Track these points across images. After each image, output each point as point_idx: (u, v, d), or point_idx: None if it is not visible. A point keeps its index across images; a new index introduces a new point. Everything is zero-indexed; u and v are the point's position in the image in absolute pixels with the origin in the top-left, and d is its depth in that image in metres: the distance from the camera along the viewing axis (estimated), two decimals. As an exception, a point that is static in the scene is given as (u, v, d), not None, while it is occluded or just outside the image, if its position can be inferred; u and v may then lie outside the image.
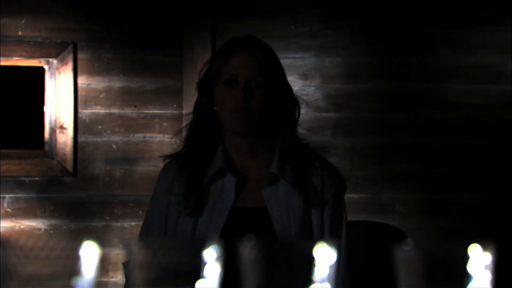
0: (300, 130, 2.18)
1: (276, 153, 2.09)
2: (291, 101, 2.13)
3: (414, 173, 3.68)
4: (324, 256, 0.80)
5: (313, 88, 3.67)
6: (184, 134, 2.17)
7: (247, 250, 0.80)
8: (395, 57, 3.71)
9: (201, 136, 2.11)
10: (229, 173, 2.07)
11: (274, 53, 2.11)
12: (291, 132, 2.11)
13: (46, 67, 3.56)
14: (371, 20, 3.70)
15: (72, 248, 0.78)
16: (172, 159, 2.14)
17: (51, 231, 3.49)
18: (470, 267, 0.76)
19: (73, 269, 0.77)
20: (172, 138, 2.30)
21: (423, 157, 3.69)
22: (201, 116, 2.12)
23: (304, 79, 3.67)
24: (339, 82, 3.69)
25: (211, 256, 0.80)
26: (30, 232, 3.47)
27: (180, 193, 2.06)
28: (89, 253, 0.78)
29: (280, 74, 2.11)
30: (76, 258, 0.77)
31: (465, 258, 0.76)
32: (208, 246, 0.79)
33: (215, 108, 2.10)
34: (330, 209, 2.07)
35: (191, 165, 2.09)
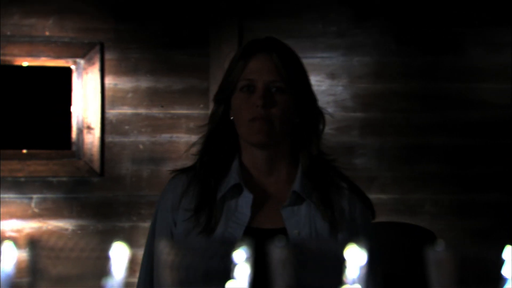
0: (322, 144, 1.97)
1: (299, 169, 1.91)
2: (316, 110, 1.95)
3: (444, 173, 3.66)
4: (355, 257, 0.80)
5: (340, 87, 3.66)
6: (197, 147, 1.99)
7: (278, 251, 0.80)
8: (424, 56, 3.69)
9: (216, 149, 1.93)
10: (245, 189, 1.88)
11: (297, 56, 1.95)
12: (316, 146, 1.92)
13: (73, 67, 3.58)
14: (400, 19, 3.68)
15: (102, 249, 0.79)
16: (179, 172, 1.98)
17: (78, 232, 3.51)
18: (505, 270, 0.75)
19: (103, 269, 0.77)
20: (185, 152, 2.02)
21: (453, 157, 3.66)
22: (217, 127, 1.94)
23: (332, 79, 3.66)
24: (367, 82, 3.67)
25: (241, 256, 0.80)
26: (58, 233, 3.49)
27: (189, 209, 1.88)
28: (119, 254, 0.79)
29: (303, 79, 1.93)
30: (106, 258, 0.78)
31: (499, 260, 0.75)
32: (238, 247, 0.79)
33: (231, 118, 1.93)
34: (358, 237, 1.83)
35: (203, 179, 1.91)
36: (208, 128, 1.96)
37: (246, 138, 1.90)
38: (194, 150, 1.96)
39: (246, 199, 1.87)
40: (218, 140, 1.94)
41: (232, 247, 0.79)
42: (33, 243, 0.79)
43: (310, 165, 1.90)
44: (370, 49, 3.67)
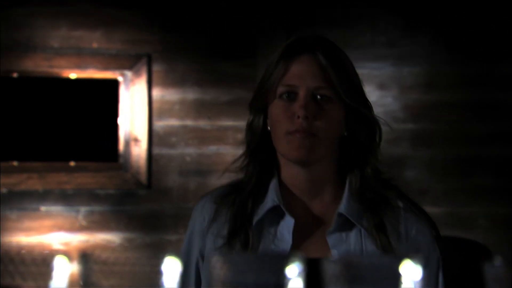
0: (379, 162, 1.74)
1: (346, 189, 1.68)
2: (370, 122, 1.69)
3: (497, 185, 3.61)
4: (410, 273, 0.79)
5: (390, 98, 3.64)
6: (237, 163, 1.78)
7: (331, 266, 0.80)
8: (476, 65, 3.65)
9: (253, 166, 1.72)
10: (286, 213, 1.66)
11: (348, 58, 1.70)
12: (371, 164, 1.69)
13: (120, 79, 3.61)
14: (451, 27, 3.65)
15: (152, 263, 0.79)
16: (210, 193, 1.78)
17: (126, 244, 3.53)
18: None
19: (155, 283, 0.77)
20: (224, 171, 1.76)
21: (507, 169, 3.61)
22: (253, 140, 1.72)
23: (381, 90, 3.64)
24: (418, 92, 3.64)
25: (293, 271, 0.79)
26: (105, 245, 3.52)
27: (221, 235, 1.68)
28: (171, 268, 0.79)
29: (355, 85, 1.68)
30: (158, 272, 0.78)
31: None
32: (291, 261, 0.79)
33: (269, 129, 1.70)
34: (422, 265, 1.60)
35: (237, 200, 1.70)
36: (246, 141, 1.75)
37: (285, 153, 1.67)
38: (235, 166, 1.75)
39: (287, 224, 1.65)
40: (257, 155, 1.72)
41: (285, 261, 0.79)
42: (84, 256, 0.79)
43: (361, 184, 1.67)
44: (420, 58, 3.65)
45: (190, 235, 1.76)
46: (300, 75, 1.65)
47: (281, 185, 1.70)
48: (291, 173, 1.70)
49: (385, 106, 3.61)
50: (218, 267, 0.79)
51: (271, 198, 1.68)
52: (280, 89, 1.66)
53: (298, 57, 1.66)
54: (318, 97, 1.64)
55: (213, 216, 1.71)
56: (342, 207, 1.66)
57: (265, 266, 0.78)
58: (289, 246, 1.63)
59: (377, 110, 3.54)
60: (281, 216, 1.67)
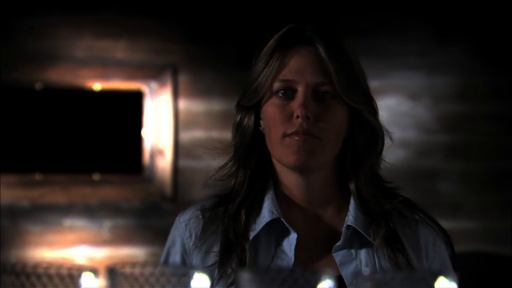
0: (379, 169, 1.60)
1: (353, 199, 1.51)
2: (372, 125, 1.51)
3: (534, 200, 3.57)
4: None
5: (422, 109, 3.62)
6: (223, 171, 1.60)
7: (364, 282, 0.79)
8: (511, 75, 3.63)
9: (244, 172, 1.53)
10: (287, 226, 1.47)
11: (353, 52, 1.52)
12: (371, 168, 1.53)
13: (145, 89, 3.62)
14: (485, 36, 3.63)
15: (180, 281, 0.79)
16: (195, 206, 1.58)
17: (151, 259, 3.53)
18: None
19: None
20: (209, 179, 1.58)
21: (544, 182, 3.58)
22: (242, 143, 1.53)
23: (412, 100, 3.62)
24: (451, 103, 3.62)
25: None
26: (130, 260, 3.52)
27: (211, 252, 1.49)
28: (200, 285, 0.79)
29: (358, 83, 1.49)
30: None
31: None
32: (322, 278, 0.79)
33: (261, 129, 1.53)
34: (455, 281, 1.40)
35: (229, 213, 1.50)
36: (234, 145, 1.55)
37: (281, 159, 1.48)
38: (222, 174, 1.57)
39: (288, 239, 1.47)
40: (247, 160, 1.53)
41: (317, 278, 0.78)
42: (111, 272, 0.79)
43: (366, 193, 1.50)
44: (453, 68, 3.62)
45: (169, 253, 1.54)
46: (299, 69, 1.46)
47: (278, 194, 1.51)
48: (289, 181, 1.51)
49: (417, 117, 3.59)
50: (247, 285, 0.78)
51: (269, 209, 1.48)
52: (276, 85, 1.47)
53: (296, 48, 1.49)
54: (319, 94, 1.46)
55: (200, 232, 1.51)
56: (350, 219, 1.48)
57: (298, 283, 0.78)
58: (291, 264, 1.45)
59: (408, 121, 3.54)
60: (281, 231, 1.47)
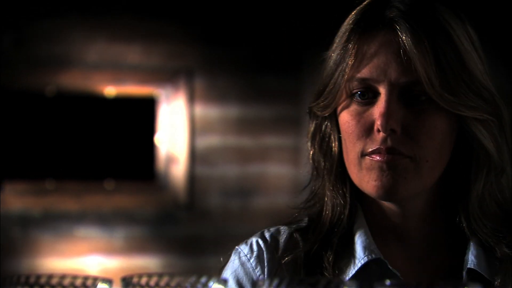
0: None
1: (473, 234, 1.15)
2: (485, 141, 1.12)
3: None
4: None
5: None
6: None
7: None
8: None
9: (332, 198, 1.19)
10: (391, 269, 1.14)
11: (463, 32, 1.11)
12: (494, 195, 1.15)
13: (159, 94, 3.62)
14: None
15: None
16: (259, 236, 1.23)
17: (165, 269, 3.52)
18: None
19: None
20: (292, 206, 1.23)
21: None
22: (326, 162, 1.19)
23: None
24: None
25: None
26: (144, 270, 3.51)
27: None
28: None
29: (472, 78, 1.11)
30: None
31: None
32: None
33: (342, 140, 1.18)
34: None
35: (309, 249, 1.17)
36: (314, 166, 1.21)
37: (360, 185, 1.14)
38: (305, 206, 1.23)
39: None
40: (336, 184, 1.18)
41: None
42: (126, 281, 0.79)
43: (480, 228, 1.14)
44: None
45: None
46: (380, 63, 1.10)
47: (369, 224, 1.18)
48: (380, 209, 1.17)
49: None
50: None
51: (363, 246, 1.15)
52: (352, 85, 1.12)
53: (374, 33, 1.12)
54: (412, 97, 1.10)
55: (268, 268, 1.18)
56: (471, 259, 1.13)
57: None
58: None
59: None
60: (380, 274, 1.13)
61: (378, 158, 1.09)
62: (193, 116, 3.59)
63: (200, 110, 3.60)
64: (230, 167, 3.61)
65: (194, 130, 3.58)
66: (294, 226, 1.21)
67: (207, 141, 3.60)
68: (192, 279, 0.79)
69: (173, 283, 0.79)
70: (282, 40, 3.63)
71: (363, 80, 1.10)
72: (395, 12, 1.10)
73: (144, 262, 3.53)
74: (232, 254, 1.22)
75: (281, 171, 3.58)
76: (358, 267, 1.14)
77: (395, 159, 1.09)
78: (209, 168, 3.59)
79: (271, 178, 3.58)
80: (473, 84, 1.10)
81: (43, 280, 0.75)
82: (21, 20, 3.51)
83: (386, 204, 1.16)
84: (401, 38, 1.08)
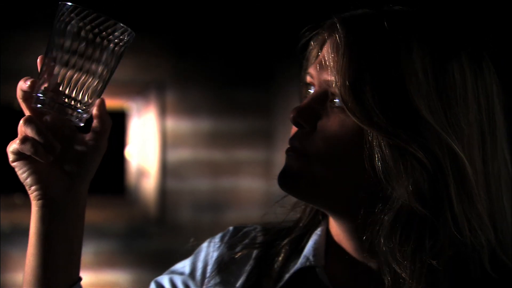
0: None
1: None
2: (423, 167, 0.99)
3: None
4: None
5: None
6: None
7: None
8: None
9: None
10: (320, 274, 1.13)
11: (405, 37, 1.02)
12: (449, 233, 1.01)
13: (129, 107, 3.65)
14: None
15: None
16: (235, 229, 1.27)
17: (135, 285, 3.52)
18: None
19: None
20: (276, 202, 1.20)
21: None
22: None
23: None
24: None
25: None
26: (114, 285, 3.50)
27: (230, 285, 1.17)
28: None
29: (393, 90, 1.00)
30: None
31: None
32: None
33: None
34: None
35: (264, 245, 1.21)
36: None
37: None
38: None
39: None
40: None
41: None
42: None
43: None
44: None
45: (189, 269, 1.28)
46: (320, 61, 1.09)
47: (329, 235, 1.16)
48: (332, 220, 1.15)
49: None
50: None
51: (307, 253, 1.14)
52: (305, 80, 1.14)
53: (328, 33, 1.10)
54: (330, 99, 1.07)
55: (229, 260, 1.22)
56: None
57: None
58: None
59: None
60: (317, 284, 1.12)
61: (288, 158, 1.09)
62: (164, 129, 3.61)
63: (172, 123, 3.62)
64: (202, 180, 3.61)
65: (166, 143, 3.61)
66: (273, 227, 1.23)
67: (178, 155, 3.62)
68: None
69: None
70: (253, 53, 3.64)
71: (308, 76, 1.11)
72: (340, 17, 1.08)
73: (114, 277, 3.55)
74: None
75: (253, 184, 3.60)
76: (294, 269, 1.14)
77: (294, 157, 1.07)
78: (181, 182, 3.60)
79: (243, 191, 3.60)
80: (400, 108, 1.00)
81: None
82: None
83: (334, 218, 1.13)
84: (338, 36, 1.05)
